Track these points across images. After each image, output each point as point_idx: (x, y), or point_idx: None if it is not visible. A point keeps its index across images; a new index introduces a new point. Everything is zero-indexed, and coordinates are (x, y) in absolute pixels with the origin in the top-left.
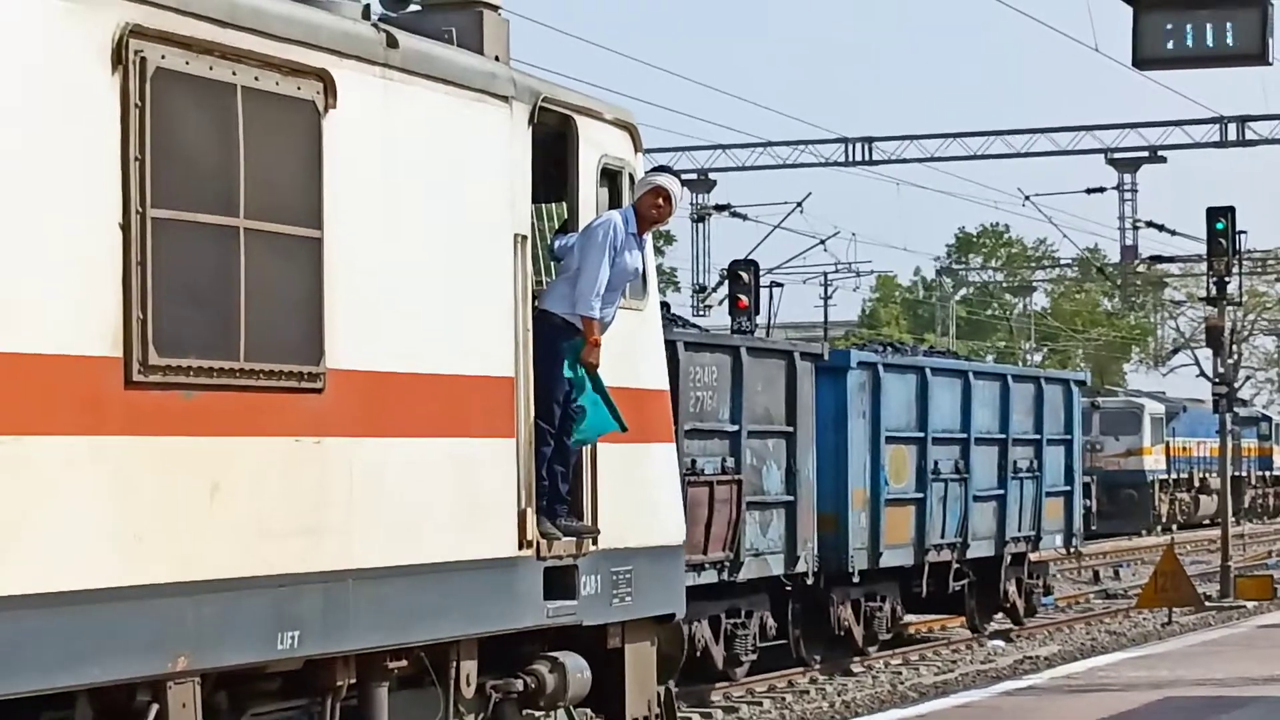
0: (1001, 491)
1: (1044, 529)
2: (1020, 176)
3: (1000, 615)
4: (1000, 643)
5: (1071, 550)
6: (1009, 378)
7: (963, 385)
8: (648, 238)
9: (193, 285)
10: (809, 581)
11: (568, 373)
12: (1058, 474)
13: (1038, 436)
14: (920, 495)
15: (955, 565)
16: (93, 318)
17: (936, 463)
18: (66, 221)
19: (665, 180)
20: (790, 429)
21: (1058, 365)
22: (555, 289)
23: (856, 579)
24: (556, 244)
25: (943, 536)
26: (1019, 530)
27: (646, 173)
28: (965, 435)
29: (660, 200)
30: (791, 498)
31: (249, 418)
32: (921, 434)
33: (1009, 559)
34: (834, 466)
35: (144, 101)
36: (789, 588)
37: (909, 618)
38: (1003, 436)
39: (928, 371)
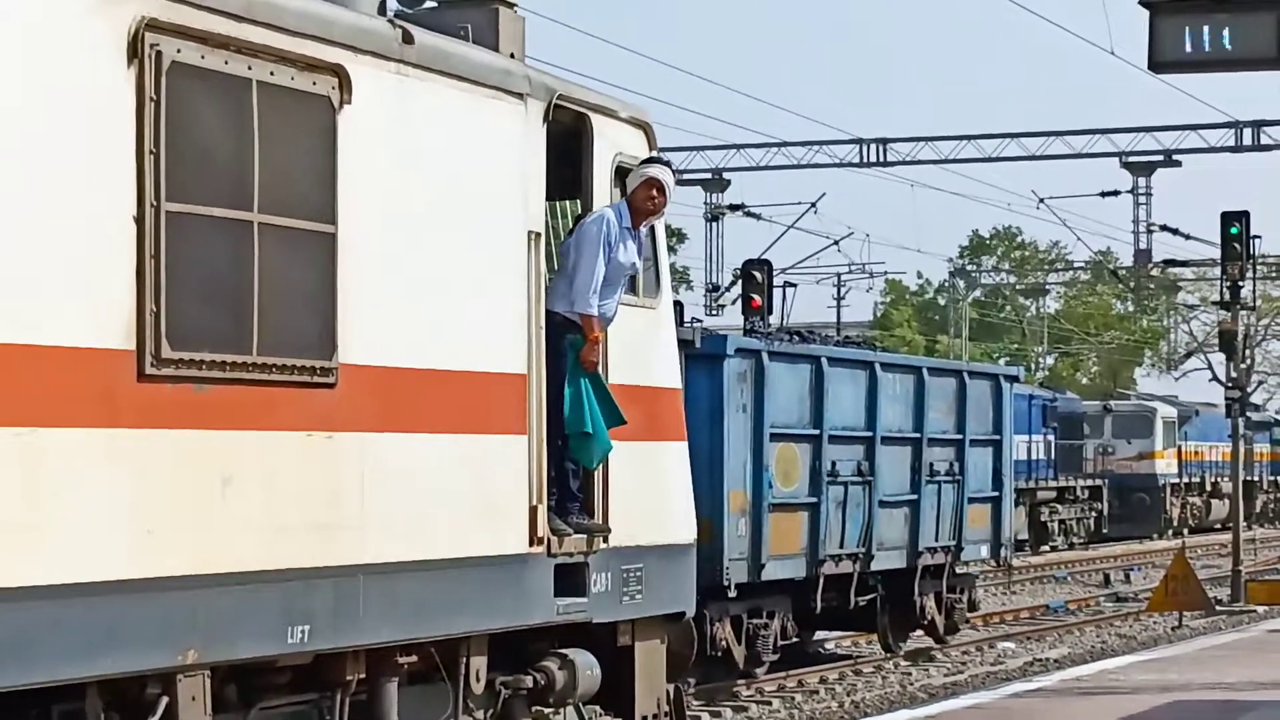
0: (914, 497)
1: (966, 538)
2: (1034, 179)
3: (919, 633)
4: (1010, 644)
5: (1001, 562)
6: (924, 370)
7: (868, 378)
8: (656, 231)
9: (206, 279)
10: None
11: (569, 375)
12: (984, 478)
13: (959, 436)
14: (813, 500)
15: (858, 578)
16: (106, 310)
17: (834, 464)
18: (81, 214)
19: (657, 171)
20: None
21: (1070, 368)
22: (555, 288)
23: (734, 593)
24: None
25: (841, 546)
26: (936, 540)
27: (639, 164)
28: (870, 434)
29: (654, 192)
30: None
31: (261, 412)
32: (816, 431)
33: (925, 571)
34: (707, 466)
35: (159, 95)
36: None
37: (821, 635)
38: (916, 436)
39: (824, 361)
